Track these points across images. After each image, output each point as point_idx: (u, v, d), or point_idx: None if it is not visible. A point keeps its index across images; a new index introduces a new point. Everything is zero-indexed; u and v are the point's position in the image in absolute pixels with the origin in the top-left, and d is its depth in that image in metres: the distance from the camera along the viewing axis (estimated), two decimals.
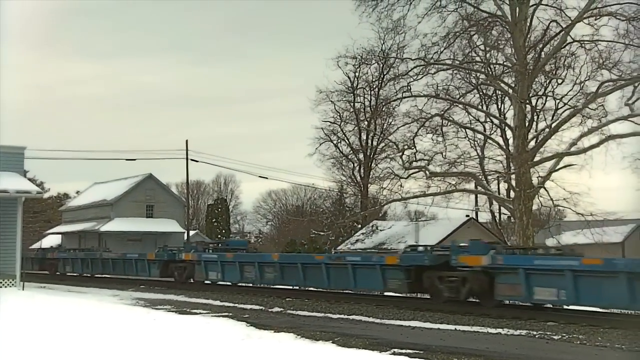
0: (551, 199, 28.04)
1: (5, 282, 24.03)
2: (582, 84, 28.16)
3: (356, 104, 49.01)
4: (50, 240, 59.48)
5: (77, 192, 75.87)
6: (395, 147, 36.53)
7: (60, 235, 63.29)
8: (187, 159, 49.63)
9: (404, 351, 11.07)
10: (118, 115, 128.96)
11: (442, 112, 30.70)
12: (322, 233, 44.54)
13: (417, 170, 31.56)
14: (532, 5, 28.05)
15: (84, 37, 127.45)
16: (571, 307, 16.60)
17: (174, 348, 10.99)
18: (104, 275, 36.14)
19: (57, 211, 71.64)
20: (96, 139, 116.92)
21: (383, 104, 39.74)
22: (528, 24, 28.28)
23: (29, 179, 29.03)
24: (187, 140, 49.69)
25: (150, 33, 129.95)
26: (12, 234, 24.69)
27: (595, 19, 26.78)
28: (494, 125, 34.80)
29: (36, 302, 19.04)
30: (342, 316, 17.14)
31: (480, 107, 33.83)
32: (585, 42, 27.00)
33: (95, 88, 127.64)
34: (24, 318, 15.01)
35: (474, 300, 18.36)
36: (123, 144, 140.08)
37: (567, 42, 27.66)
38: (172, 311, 18.34)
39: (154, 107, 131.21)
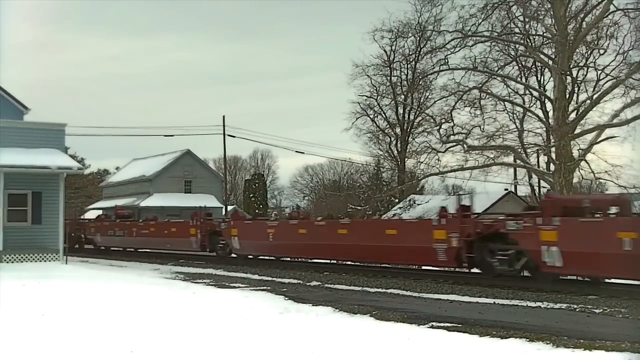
0: (592, 172, 27.56)
1: (50, 256, 24.56)
2: (626, 54, 27.46)
3: (393, 78, 48.53)
4: (92, 216, 60.51)
5: (117, 168, 77.03)
6: (432, 120, 36.22)
7: (101, 211, 64.38)
8: (224, 134, 49.98)
9: (442, 325, 11.04)
10: (155, 92, 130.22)
11: (480, 85, 30.29)
12: (359, 207, 44.44)
13: (454, 143, 31.27)
14: None
15: (121, 14, 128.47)
16: (612, 280, 16.37)
17: (213, 321, 11.13)
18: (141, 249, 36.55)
19: (98, 187, 72.85)
20: (134, 116, 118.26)
21: (420, 77, 39.36)
22: None
23: (70, 156, 29.44)
24: (224, 116, 50.04)
25: (187, 10, 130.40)
26: (54, 209, 25.16)
27: None
28: (533, 98, 34.19)
29: (80, 277, 19.43)
30: (379, 290, 17.15)
31: (519, 79, 33.26)
32: (629, 10, 26.26)
33: (132, 65, 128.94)
34: (70, 292, 15.33)
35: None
36: (161, 121, 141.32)
37: (610, 10, 26.94)
38: (211, 285, 18.57)
39: (191, 83, 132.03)
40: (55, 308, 12.41)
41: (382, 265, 23.48)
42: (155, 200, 56.95)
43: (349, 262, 24.43)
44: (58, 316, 11.45)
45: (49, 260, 24.43)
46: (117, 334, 9.80)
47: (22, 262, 23.82)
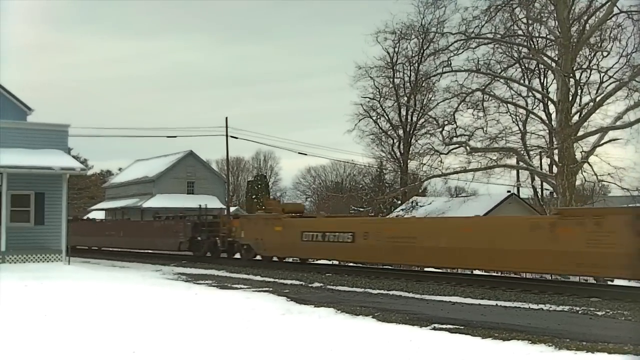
0: (595, 174, 27.52)
1: (52, 257, 24.56)
2: (629, 56, 27.47)
3: (395, 80, 48.52)
4: (94, 217, 60.56)
5: (120, 169, 77.07)
6: (435, 122, 36.25)
7: (103, 212, 64.44)
8: (227, 135, 49.94)
9: (444, 326, 11.03)
10: (159, 93, 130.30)
11: (483, 87, 30.27)
12: (361, 209, 44.48)
13: (457, 145, 31.26)
14: None
15: (124, 15, 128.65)
16: (616, 282, 16.36)
17: (215, 322, 11.13)
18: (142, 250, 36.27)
19: (101, 188, 72.90)
20: (137, 117, 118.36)
21: (423, 79, 39.31)
22: None
23: (73, 156, 29.44)
24: (226, 118, 50.25)
25: (190, 11, 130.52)
26: (57, 210, 25.16)
27: None
28: (536, 100, 34.15)
29: (82, 277, 19.43)
30: (381, 291, 17.14)
31: (522, 81, 33.22)
32: (633, 12, 26.24)
33: (137, 66, 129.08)
34: (72, 293, 15.33)
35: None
36: (164, 122, 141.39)
37: (613, 13, 26.92)
38: (214, 286, 18.57)
39: (195, 85, 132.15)
40: (57, 308, 12.42)
41: (384, 266, 23.47)
42: (158, 201, 56.99)
43: (351, 264, 24.42)
44: (60, 316, 11.46)
45: (52, 261, 24.42)
46: (119, 334, 9.80)
47: (24, 262, 23.82)
